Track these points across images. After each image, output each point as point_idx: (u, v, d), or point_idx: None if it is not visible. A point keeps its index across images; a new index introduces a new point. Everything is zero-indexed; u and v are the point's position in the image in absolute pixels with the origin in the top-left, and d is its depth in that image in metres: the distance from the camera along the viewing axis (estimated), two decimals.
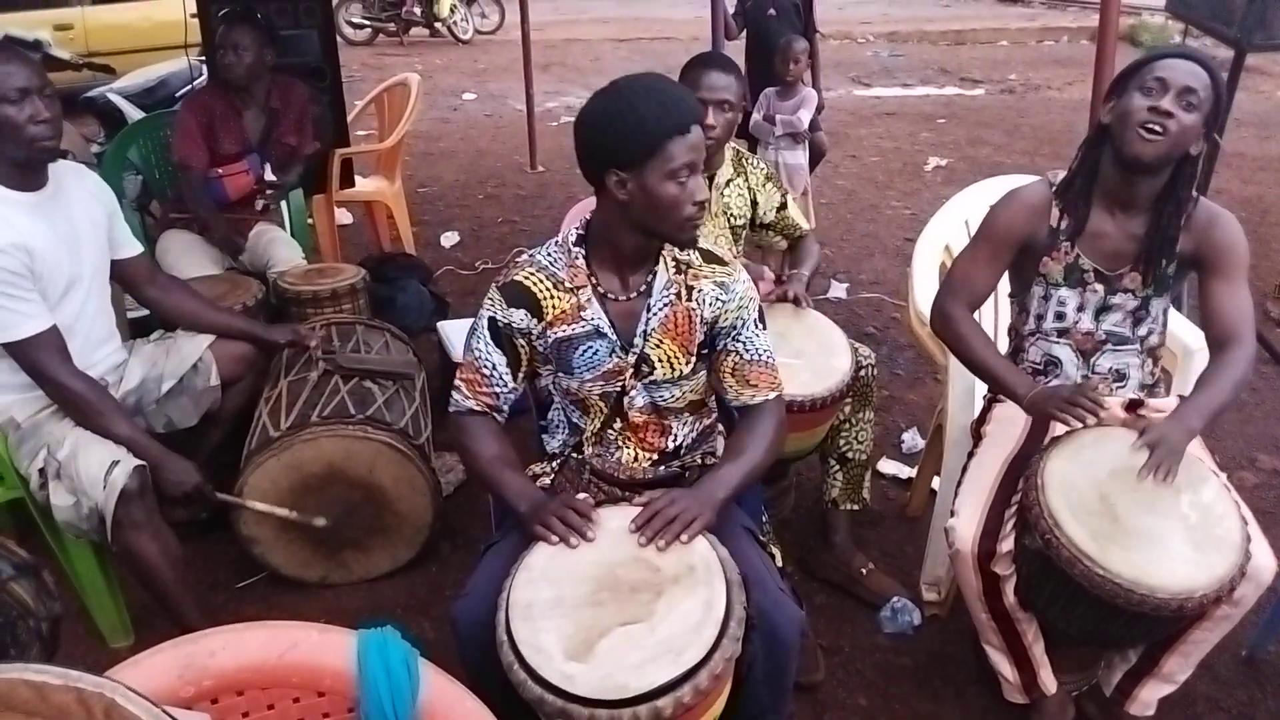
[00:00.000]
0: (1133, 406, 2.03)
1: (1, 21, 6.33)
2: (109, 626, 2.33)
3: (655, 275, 1.71)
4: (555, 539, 1.55)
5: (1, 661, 1.45)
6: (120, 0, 8.26)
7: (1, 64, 2.03)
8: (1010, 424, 2.05)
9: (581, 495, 1.64)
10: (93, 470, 2.08)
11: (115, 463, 2.09)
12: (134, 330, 2.79)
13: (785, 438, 1.81)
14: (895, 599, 2.40)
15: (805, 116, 4.34)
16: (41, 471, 2.14)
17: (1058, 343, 2.05)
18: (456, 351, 2.95)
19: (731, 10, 4.84)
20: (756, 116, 4.38)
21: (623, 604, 1.44)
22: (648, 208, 1.58)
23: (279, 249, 3.47)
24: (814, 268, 2.62)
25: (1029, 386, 1.95)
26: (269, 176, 3.54)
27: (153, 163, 3.81)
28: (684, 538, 1.53)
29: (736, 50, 4.67)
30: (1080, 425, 1.82)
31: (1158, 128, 1.77)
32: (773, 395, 1.77)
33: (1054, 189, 1.99)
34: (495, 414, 1.78)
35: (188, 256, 3.32)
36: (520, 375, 1.77)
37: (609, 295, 1.71)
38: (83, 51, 6.54)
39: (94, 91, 4.96)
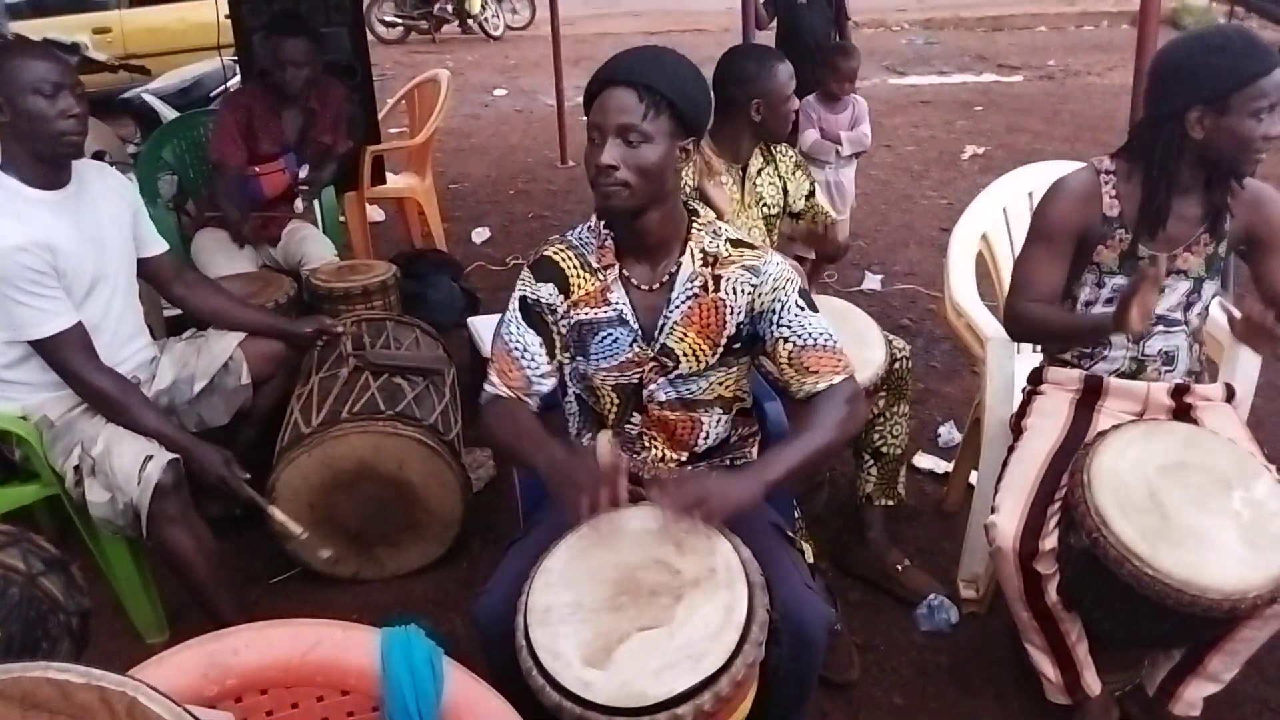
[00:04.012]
0: (1179, 392, 1.99)
1: (42, 26, 6.48)
2: (144, 622, 2.35)
3: (680, 267, 1.67)
4: (585, 514, 1.48)
5: (34, 655, 1.46)
6: (156, 3, 8.40)
7: (37, 59, 2.07)
8: (1051, 417, 2.00)
9: (604, 444, 1.57)
10: (127, 465, 2.10)
11: (149, 458, 2.10)
12: (170, 329, 2.81)
13: (862, 418, 1.70)
14: (932, 596, 2.36)
15: (869, 130, 4.04)
16: (76, 469, 2.16)
17: None
18: (487, 347, 2.93)
19: (762, 0, 4.79)
20: (814, 134, 3.99)
21: (642, 608, 1.41)
22: None
23: (312, 246, 3.50)
24: (843, 237, 2.63)
25: (1108, 316, 1.87)
26: (303, 176, 3.56)
27: (187, 162, 3.84)
28: (710, 522, 1.45)
29: (765, 40, 4.62)
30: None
31: (1267, 150, 1.78)
32: (839, 379, 1.65)
33: (1102, 174, 1.94)
34: (526, 399, 1.70)
35: (222, 254, 3.35)
36: (555, 357, 1.71)
37: (634, 281, 1.68)
38: (120, 53, 6.66)
39: (130, 92, 5.04)
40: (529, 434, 1.64)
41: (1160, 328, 1.97)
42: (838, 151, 3.98)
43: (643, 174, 1.54)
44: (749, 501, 1.51)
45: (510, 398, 1.70)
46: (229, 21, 4.14)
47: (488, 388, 1.72)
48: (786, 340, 1.66)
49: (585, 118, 1.61)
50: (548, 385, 1.71)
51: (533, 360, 1.69)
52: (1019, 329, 2.06)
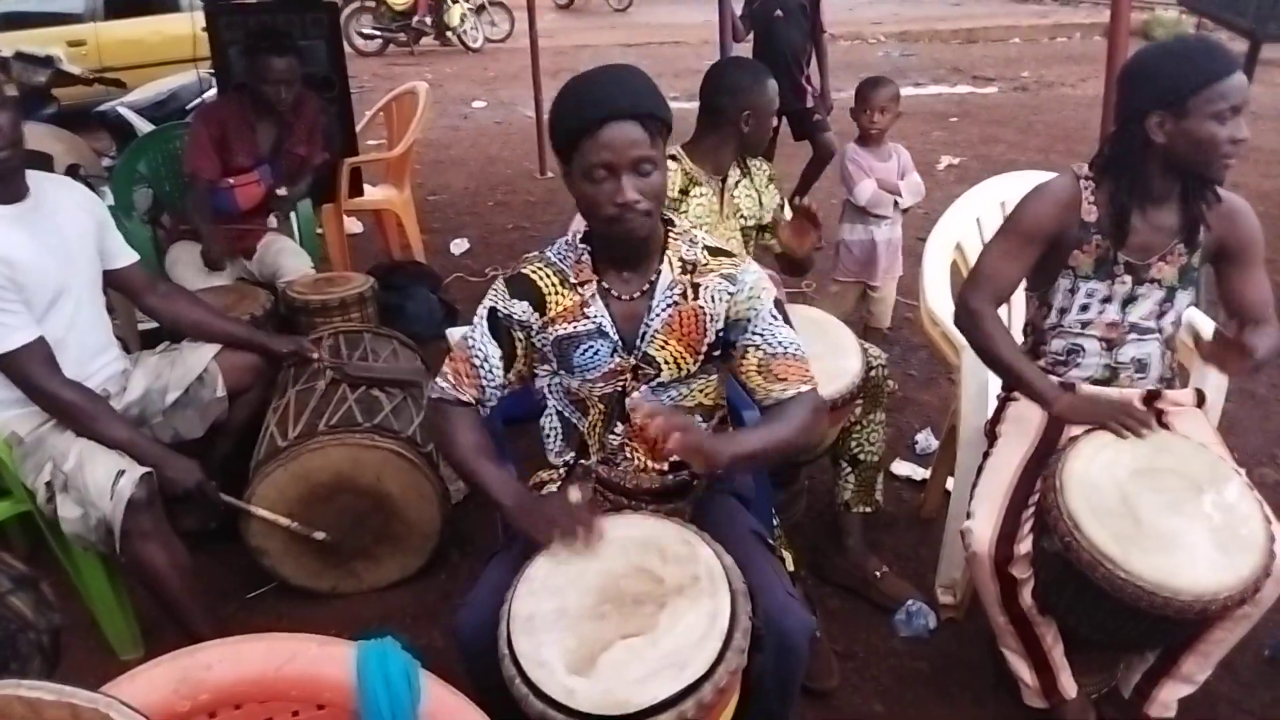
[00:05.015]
0: (1151, 398, 2.01)
1: (15, 38, 6.42)
2: (118, 639, 2.32)
3: (659, 275, 1.68)
4: (561, 545, 1.52)
5: (3, 675, 1.44)
6: (131, 16, 8.34)
7: None
8: (1025, 423, 2.02)
9: (574, 493, 1.60)
10: (100, 480, 2.07)
11: (122, 472, 2.08)
12: (146, 342, 2.78)
13: (821, 429, 1.71)
14: (910, 602, 2.37)
15: (919, 178, 3.61)
16: (48, 485, 2.13)
17: (1081, 334, 2.02)
18: None
19: (739, 12, 4.82)
20: (870, 186, 3.47)
21: (625, 616, 1.41)
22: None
23: (288, 259, 3.47)
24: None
25: (1057, 393, 1.94)
26: (280, 191, 3.54)
27: (162, 175, 3.82)
28: (670, 443, 1.45)
29: (743, 52, 4.64)
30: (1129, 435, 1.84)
31: (1236, 155, 1.80)
32: (806, 388, 1.66)
33: (1082, 179, 1.97)
34: (479, 406, 1.74)
35: (196, 268, 3.33)
36: (512, 373, 1.74)
37: (613, 293, 1.69)
38: (95, 66, 6.59)
39: (105, 106, 4.99)
40: (488, 456, 1.70)
41: (1134, 335, 2.00)
42: (896, 203, 3.56)
43: (657, 198, 1.57)
44: (713, 456, 1.51)
45: (466, 406, 1.72)
46: (205, 34, 4.13)
47: (443, 385, 1.73)
48: (758, 348, 1.67)
49: (559, 150, 1.57)
50: (498, 397, 1.75)
51: (491, 372, 1.71)
52: (966, 322, 2.04)
